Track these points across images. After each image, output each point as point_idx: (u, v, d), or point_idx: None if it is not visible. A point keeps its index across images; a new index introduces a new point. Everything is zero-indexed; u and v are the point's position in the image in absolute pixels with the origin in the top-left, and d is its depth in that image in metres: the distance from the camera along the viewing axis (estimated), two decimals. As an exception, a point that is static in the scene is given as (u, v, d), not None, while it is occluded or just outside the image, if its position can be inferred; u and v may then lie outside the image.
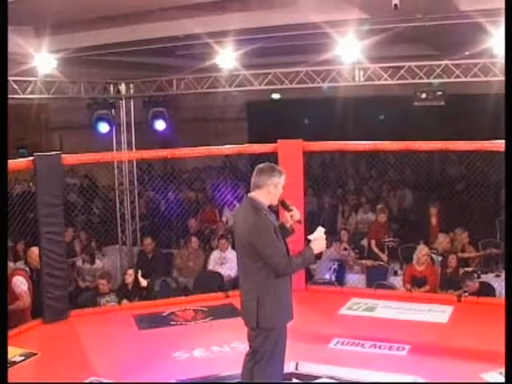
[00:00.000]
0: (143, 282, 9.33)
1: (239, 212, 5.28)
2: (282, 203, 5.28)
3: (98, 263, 11.08)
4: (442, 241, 10.86)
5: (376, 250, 11.32)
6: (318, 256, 10.46)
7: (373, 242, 11.48)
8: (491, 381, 6.15)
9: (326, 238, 5.30)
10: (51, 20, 9.21)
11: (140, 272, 9.47)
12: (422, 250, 9.75)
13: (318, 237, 5.23)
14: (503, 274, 9.97)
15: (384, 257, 11.14)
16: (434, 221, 11.51)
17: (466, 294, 8.73)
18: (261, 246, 4.93)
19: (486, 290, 9.03)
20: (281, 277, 5.01)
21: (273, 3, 9.49)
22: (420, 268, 9.59)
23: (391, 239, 11.47)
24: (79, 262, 10.99)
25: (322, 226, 5.29)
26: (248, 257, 5.02)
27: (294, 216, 5.26)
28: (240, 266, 5.23)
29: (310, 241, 5.23)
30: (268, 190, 5.06)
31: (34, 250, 8.74)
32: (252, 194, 5.11)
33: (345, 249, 11.10)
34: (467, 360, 6.61)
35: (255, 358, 5.09)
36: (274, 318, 5.03)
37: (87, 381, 6.41)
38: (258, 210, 5.01)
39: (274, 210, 5.31)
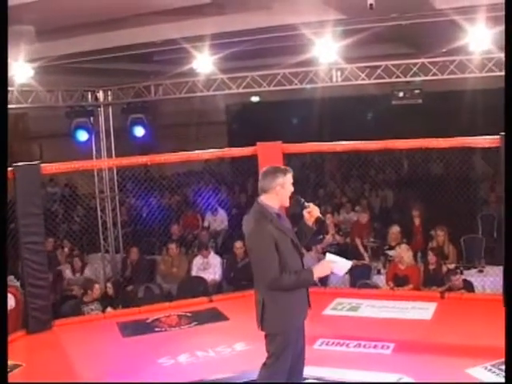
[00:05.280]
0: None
1: (247, 216, 5.13)
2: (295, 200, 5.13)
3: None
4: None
5: (361, 249, 11.35)
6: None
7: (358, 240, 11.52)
8: (475, 375, 6.14)
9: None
10: (27, 29, 9.16)
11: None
12: (403, 248, 9.78)
13: (338, 261, 4.99)
14: (486, 270, 10.04)
15: (366, 256, 11.17)
16: (416, 219, 11.52)
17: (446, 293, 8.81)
18: (253, 254, 4.94)
19: (466, 286, 9.06)
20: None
21: (249, 6, 9.49)
22: (402, 267, 9.61)
23: (372, 240, 11.51)
24: (68, 273, 10.97)
25: None
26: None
27: (313, 212, 5.14)
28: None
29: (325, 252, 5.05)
30: (275, 192, 4.97)
31: None
32: (260, 199, 5.01)
33: (327, 233, 11.22)
34: (452, 356, 6.62)
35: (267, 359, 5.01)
36: (277, 322, 4.90)
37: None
38: (262, 216, 4.89)
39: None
